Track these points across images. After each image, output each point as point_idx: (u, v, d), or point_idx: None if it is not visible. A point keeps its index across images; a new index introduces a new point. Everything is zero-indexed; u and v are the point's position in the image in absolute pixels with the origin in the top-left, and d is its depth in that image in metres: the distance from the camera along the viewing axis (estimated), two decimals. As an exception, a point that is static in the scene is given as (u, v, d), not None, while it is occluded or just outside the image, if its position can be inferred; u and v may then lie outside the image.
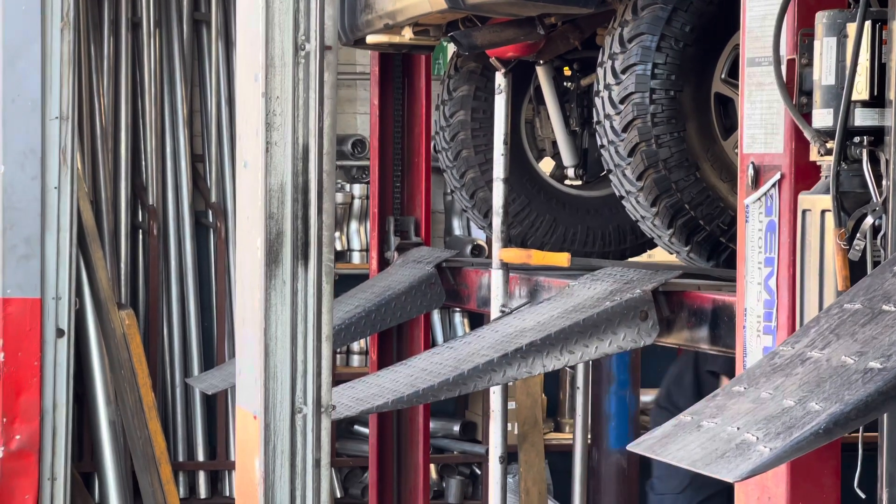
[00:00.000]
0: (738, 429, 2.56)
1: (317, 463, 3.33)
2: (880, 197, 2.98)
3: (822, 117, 3.09)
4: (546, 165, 5.31)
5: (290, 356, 3.31)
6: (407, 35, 4.72)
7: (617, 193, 4.23)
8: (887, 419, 2.87)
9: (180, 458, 7.89)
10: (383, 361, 5.80)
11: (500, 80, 4.78)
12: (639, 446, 2.73)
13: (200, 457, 7.93)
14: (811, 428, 2.42)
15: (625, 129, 4.04)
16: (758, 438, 2.49)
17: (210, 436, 7.96)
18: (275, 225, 3.30)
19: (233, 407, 7.74)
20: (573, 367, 6.15)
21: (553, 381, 8.12)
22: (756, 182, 3.30)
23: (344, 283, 6.38)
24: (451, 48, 5.91)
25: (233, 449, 7.84)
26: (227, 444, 7.91)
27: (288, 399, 3.32)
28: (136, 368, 6.85)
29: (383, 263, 5.87)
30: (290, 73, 3.29)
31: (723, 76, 4.06)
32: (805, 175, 3.21)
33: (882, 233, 2.96)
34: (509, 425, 6.36)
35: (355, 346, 8.06)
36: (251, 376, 3.40)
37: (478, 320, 7.95)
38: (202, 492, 7.95)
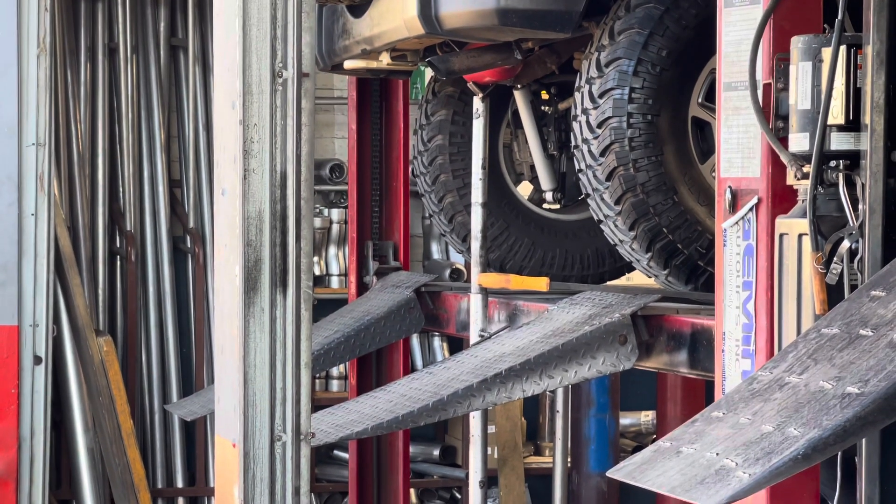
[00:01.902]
0: (717, 454, 2.56)
1: (296, 490, 3.32)
2: (857, 221, 2.99)
3: (799, 141, 3.10)
4: (524, 189, 5.31)
5: (268, 384, 3.31)
6: (384, 60, 4.72)
7: (595, 217, 4.24)
8: (866, 443, 2.87)
9: (159, 485, 7.85)
10: (363, 386, 5.78)
11: (477, 104, 4.79)
12: (618, 472, 2.73)
13: (180, 483, 7.89)
14: (790, 454, 2.42)
15: (602, 154, 4.05)
16: (737, 464, 2.49)
17: (189, 462, 7.92)
18: (253, 252, 3.30)
19: (212, 433, 7.71)
20: (553, 391, 6.14)
21: (533, 405, 8.11)
22: (733, 206, 3.31)
23: (323, 308, 6.37)
24: (429, 73, 5.92)
25: (212, 475, 7.81)
26: (206, 470, 7.87)
27: (267, 427, 3.31)
28: (114, 395, 6.81)
29: (362, 288, 5.86)
30: (267, 100, 3.29)
31: (700, 100, 4.07)
32: (782, 199, 3.22)
33: (859, 256, 2.97)
34: (489, 449, 6.35)
35: (335, 371, 8.04)
36: (230, 404, 3.39)
37: (457, 344, 7.94)
38: (181, 518, 7.92)
